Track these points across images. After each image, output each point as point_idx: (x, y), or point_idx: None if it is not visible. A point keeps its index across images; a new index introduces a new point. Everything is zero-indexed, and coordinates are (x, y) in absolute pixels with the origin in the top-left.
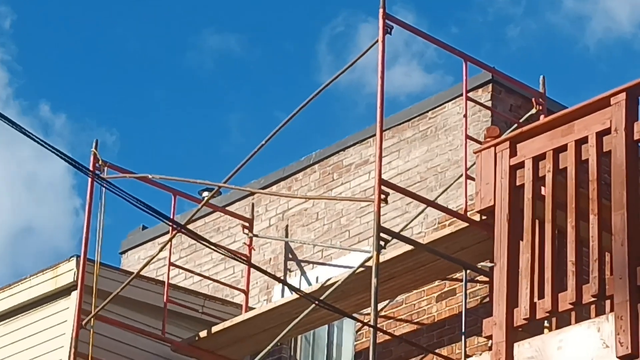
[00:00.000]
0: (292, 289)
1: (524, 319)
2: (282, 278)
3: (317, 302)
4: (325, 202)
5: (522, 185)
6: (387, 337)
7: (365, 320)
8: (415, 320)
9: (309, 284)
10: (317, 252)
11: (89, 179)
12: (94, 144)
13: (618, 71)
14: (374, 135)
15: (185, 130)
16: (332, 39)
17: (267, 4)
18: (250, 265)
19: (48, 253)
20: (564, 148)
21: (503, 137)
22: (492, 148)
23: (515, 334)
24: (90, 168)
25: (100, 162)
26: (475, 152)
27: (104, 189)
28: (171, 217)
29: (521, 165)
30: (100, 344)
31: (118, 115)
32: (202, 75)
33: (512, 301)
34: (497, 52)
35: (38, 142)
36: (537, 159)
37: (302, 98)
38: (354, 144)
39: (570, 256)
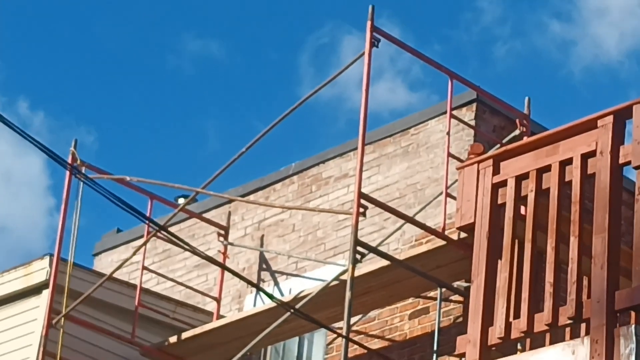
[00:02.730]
0: (268, 295)
1: (499, 337)
2: (257, 284)
3: (292, 311)
4: (302, 214)
5: (504, 204)
6: (357, 352)
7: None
8: (387, 337)
9: (282, 295)
10: (292, 263)
11: (67, 177)
12: (72, 143)
13: (603, 98)
14: (355, 149)
15: (163, 133)
16: (316, 50)
17: (251, 10)
18: (226, 269)
19: (20, 252)
20: (547, 168)
21: (487, 154)
22: (475, 165)
23: (488, 353)
24: (68, 168)
25: (78, 161)
26: (458, 169)
27: (80, 189)
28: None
29: (504, 183)
30: (69, 344)
31: (97, 115)
32: (181, 79)
33: (487, 319)
34: (482, 72)
35: (18, 132)
36: (520, 178)
37: (282, 109)
38: (334, 157)
39: (549, 277)
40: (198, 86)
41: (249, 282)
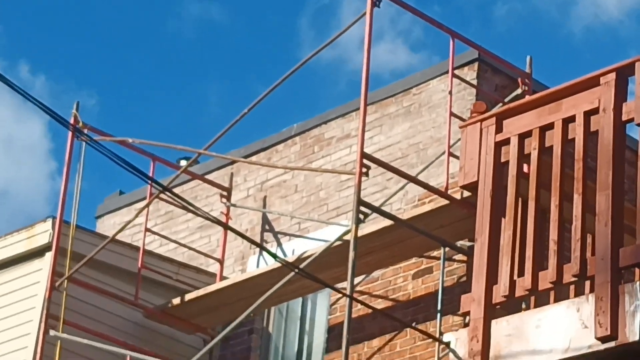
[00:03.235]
0: (272, 255)
1: (503, 296)
2: (261, 244)
3: (296, 270)
4: (305, 174)
5: (507, 162)
6: (361, 312)
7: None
8: (391, 297)
9: (285, 256)
10: (295, 224)
11: (69, 139)
12: (74, 106)
13: (604, 58)
14: (357, 109)
15: (165, 97)
16: (316, 12)
17: None
18: (229, 229)
19: (22, 216)
20: (550, 126)
21: (489, 113)
22: (478, 124)
23: (493, 311)
24: (70, 128)
25: (80, 124)
26: (460, 127)
27: (82, 151)
28: (150, 182)
29: (507, 142)
30: (72, 307)
31: (98, 78)
32: (182, 43)
33: (491, 278)
34: (482, 33)
35: (20, 93)
36: (523, 136)
37: (282, 71)
38: (336, 118)
39: (553, 235)
40: (199, 49)
41: (253, 242)
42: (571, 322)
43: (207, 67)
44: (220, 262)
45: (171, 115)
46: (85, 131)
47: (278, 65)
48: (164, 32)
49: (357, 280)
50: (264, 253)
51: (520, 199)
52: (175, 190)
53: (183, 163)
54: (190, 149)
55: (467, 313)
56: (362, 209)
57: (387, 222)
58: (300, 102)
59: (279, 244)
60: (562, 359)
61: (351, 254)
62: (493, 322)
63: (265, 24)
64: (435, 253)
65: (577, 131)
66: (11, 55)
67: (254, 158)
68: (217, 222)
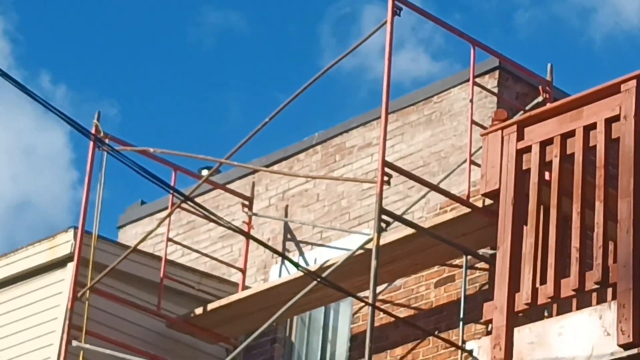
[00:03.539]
0: (294, 264)
1: (526, 303)
2: (283, 253)
3: (319, 279)
4: (327, 183)
5: (529, 170)
6: (384, 321)
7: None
8: (413, 305)
9: (307, 265)
10: (317, 233)
11: (90, 148)
12: (95, 116)
13: (624, 65)
14: (378, 117)
15: (186, 106)
16: (337, 21)
17: None
18: (252, 238)
19: (44, 227)
20: (572, 133)
21: (511, 120)
22: (500, 131)
23: (515, 318)
24: (92, 138)
25: (101, 134)
26: (482, 135)
27: (104, 160)
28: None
29: (528, 149)
30: (95, 317)
31: (119, 88)
32: (202, 52)
33: (513, 286)
34: (503, 40)
35: (41, 103)
36: (545, 144)
37: (303, 80)
38: (357, 126)
39: (575, 242)
40: (219, 59)
41: (275, 252)
42: (594, 329)
43: (228, 76)
44: (243, 271)
45: (192, 125)
46: (107, 141)
47: (299, 74)
48: (185, 41)
49: (379, 288)
50: (286, 262)
51: (542, 207)
52: (197, 199)
53: (204, 172)
54: (211, 159)
55: (490, 321)
56: (384, 217)
57: (409, 231)
58: (321, 110)
59: (301, 253)
60: None
61: (373, 263)
62: (515, 330)
63: (285, 33)
64: (457, 261)
65: (598, 138)
66: (32, 65)
67: (275, 167)
68: (239, 231)
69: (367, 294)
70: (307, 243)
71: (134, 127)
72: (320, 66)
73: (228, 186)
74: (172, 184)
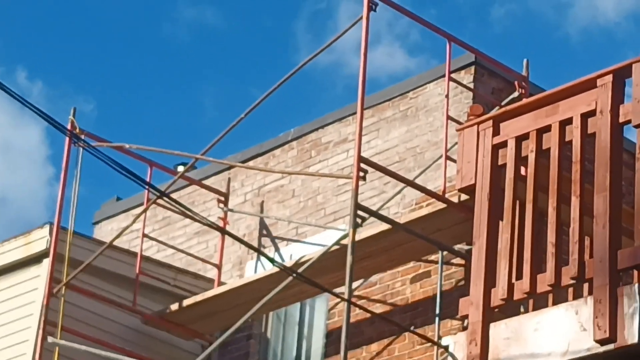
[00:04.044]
0: (269, 259)
1: (501, 299)
2: (259, 249)
3: (294, 275)
4: (302, 179)
5: (504, 165)
6: (359, 317)
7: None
8: (389, 301)
9: (283, 261)
10: (292, 229)
11: (66, 144)
12: (71, 112)
13: (600, 60)
14: (354, 113)
15: (161, 101)
16: (312, 16)
17: None
18: (227, 233)
19: (20, 223)
20: (548, 128)
21: (486, 115)
22: (475, 126)
23: (491, 314)
24: (67, 134)
25: (77, 129)
26: (457, 130)
27: (79, 156)
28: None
29: (504, 144)
30: (70, 313)
31: (95, 83)
32: (178, 47)
33: (489, 281)
34: (479, 34)
35: (17, 99)
36: (520, 139)
37: (279, 76)
38: (333, 122)
39: (551, 238)
40: (194, 53)
41: (251, 247)
42: (570, 324)
43: (203, 71)
44: (218, 267)
45: (168, 120)
46: (83, 137)
47: (274, 69)
48: (159, 36)
49: (355, 284)
50: (262, 258)
51: (517, 202)
52: (173, 195)
53: (180, 168)
54: (187, 154)
55: (466, 316)
56: (360, 213)
57: (385, 226)
58: (297, 106)
59: (277, 249)
60: None
61: (349, 259)
62: (491, 325)
63: (260, 28)
64: (433, 257)
65: (574, 133)
66: (9, 61)
67: (251, 163)
68: (215, 227)
69: (343, 289)
70: (282, 239)
71: (109, 123)
72: (295, 62)
73: (204, 182)
74: (147, 179)
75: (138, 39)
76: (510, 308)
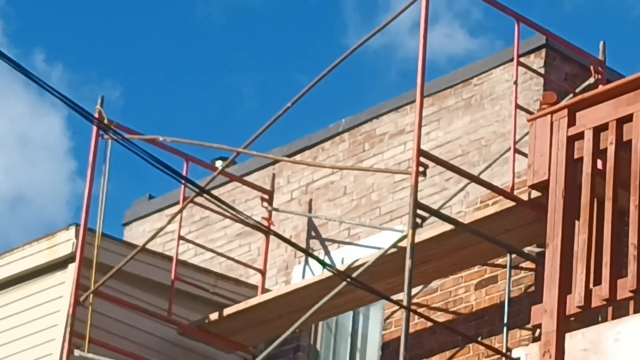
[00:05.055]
0: (321, 263)
1: (578, 307)
2: (308, 250)
3: (348, 280)
4: (355, 175)
5: (581, 159)
6: (419, 327)
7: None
8: (452, 309)
9: (334, 265)
10: (344, 230)
11: (93, 136)
12: (99, 100)
13: None
14: (412, 102)
15: (194, 90)
16: None
17: None
18: (273, 234)
19: (40, 223)
20: (629, 118)
21: (561, 104)
22: (549, 116)
23: (567, 323)
24: (96, 123)
25: (105, 120)
26: (529, 120)
27: (108, 150)
28: (184, 183)
29: (580, 136)
30: (99, 324)
31: (122, 68)
32: (212, 29)
33: (564, 287)
34: (549, 13)
35: (38, 83)
36: (599, 130)
37: (325, 60)
38: (389, 112)
39: (632, 239)
40: (231, 36)
41: (299, 249)
42: None
43: (241, 56)
44: (262, 272)
45: (202, 110)
46: (112, 128)
47: (319, 53)
48: (193, 16)
49: (414, 291)
50: (310, 263)
51: (595, 199)
52: (213, 192)
53: (219, 164)
54: (227, 148)
55: (538, 326)
56: (419, 212)
57: (447, 227)
58: (347, 94)
59: (327, 252)
60: None
61: (408, 262)
62: (567, 335)
63: (304, 7)
64: (500, 261)
65: None
66: (25, 43)
67: (298, 157)
68: (259, 227)
69: (401, 296)
70: (333, 241)
71: (137, 112)
72: (343, 44)
73: (245, 178)
74: (184, 173)
75: (170, 19)
76: (588, 316)
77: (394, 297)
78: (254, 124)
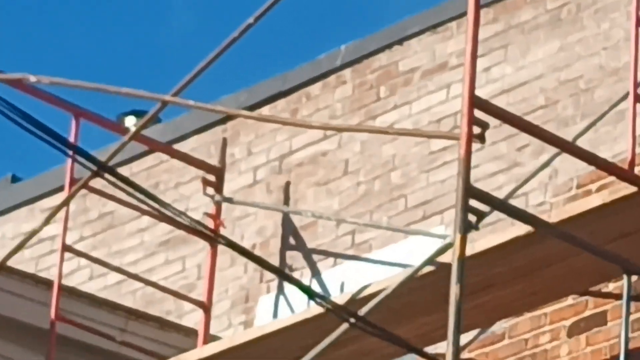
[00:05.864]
0: (304, 291)
1: None
2: (283, 270)
3: (351, 321)
4: (362, 140)
5: None
6: None
7: None
8: None
9: (328, 294)
10: (344, 234)
11: None
12: None
13: None
14: (460, 16)
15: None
16: None
17: None
18: (222, 243)
19: None
20: None
21: None
22: None
23: None
24: None
25: None
26: None
27: None
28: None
29: None
30: None
31: None
32: None
33: None
34: None
35: None
36: None
37: None
38: (419, 33)
39: None
40: None
41: (270, 267)
42: None
43: None
44: (206, 307)
45: (108, 34)
46: None
47: None
48: None
49: (465, 338)
50: (288, 290)
51: None
52: (121, 169)
53: (130, 122)
54: (147, 94)
55: None
56: (473, 203)
57: (521, 230)
58: (350, 6)
59: (315, 273)
60: None
61: (454, 290)
62: None
63: None
64: (611, 287)
65: None
66: None
67: (265, 111)
68: (200, 231)
69: (443, 347)
70: (326, 253)
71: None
72: None
73: (176, 147)
74: (72, 139)
75: None
76: None
77: (430, 350)
78: (191, 57)
